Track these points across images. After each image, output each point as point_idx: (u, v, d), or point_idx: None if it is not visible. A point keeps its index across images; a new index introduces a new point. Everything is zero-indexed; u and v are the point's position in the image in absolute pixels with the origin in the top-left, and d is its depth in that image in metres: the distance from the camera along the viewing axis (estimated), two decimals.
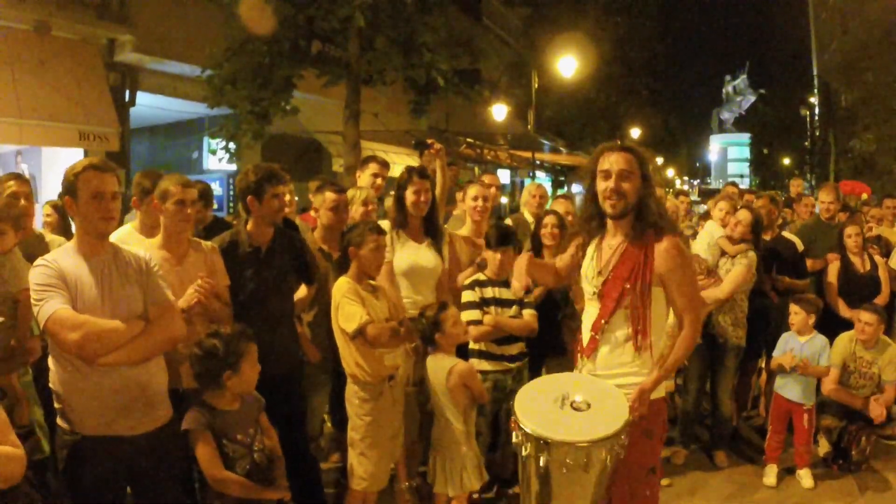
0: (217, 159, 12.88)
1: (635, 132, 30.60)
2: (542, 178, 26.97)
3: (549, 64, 18.80)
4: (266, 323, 3.76)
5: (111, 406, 2.77)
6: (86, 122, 10.57)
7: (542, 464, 2.55)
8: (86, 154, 11.64)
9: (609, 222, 2.93)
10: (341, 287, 3.74)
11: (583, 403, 2.66)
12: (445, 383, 3.73)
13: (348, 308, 3.66)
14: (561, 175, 26.78)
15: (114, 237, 4.47)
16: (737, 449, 5.37)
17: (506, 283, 4.24)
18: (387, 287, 4.11)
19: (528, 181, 25.24)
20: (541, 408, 2.67)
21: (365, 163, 5.14)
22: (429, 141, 5.23)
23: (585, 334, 2.96)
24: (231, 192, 16.02)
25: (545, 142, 24.55)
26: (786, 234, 5.94)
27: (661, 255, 2.78)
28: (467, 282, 4.30)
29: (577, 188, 33.03)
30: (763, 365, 5.53)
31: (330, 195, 4.40)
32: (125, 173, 12.67)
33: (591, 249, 3.02)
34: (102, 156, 11.44)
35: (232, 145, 11.32)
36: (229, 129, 10.67)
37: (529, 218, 6.45)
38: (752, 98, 70.88)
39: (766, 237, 5.55)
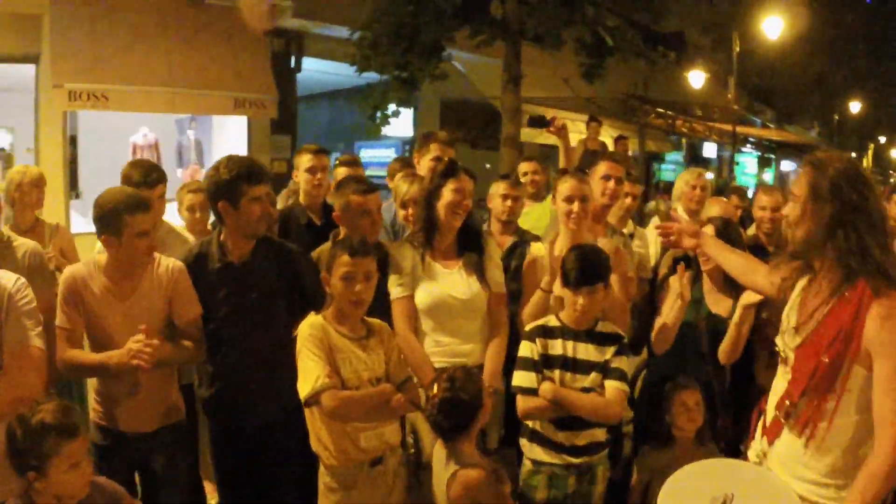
0: (395, 124, 12.24)
1: (855, 106, 25.63)
2: (749, 153, 23.62)
3: (754, 25, 15.87)
4: (246, 358, 2.87)
5: None
6: (241, 90, 10.21)
7: None
8: (249, 122, 11.40)
9: (816, 261, 2.14)
10: (303, 331, 2.55)
11: None
12: (446, 491, 2.36)
13: (304, 363, 2.50)
14: (769, 152, 23.17)
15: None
16: None
17: (588, 335, 2.74)
18: (403, 332, 2.86)
19: (737, 157, 22.10)
20: None
21: (425, 142, 3.72)
22: (549, 117, 4.12)
23: (770, 410, 2.22)
24: None
25: (756, 120, 21.26)
26: None
27: (874, 320, 1.93)
28: (529, 327, 2.84)
29: (787, 166, 28.79)
30: None
31: (355, 198, 3.08)
32: (291, 140, 12.38)
33: (798, 288, 2.20)
34: (266, 123, 11.28)
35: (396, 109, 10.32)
36: (375, 98, 9.72)
37: (684, 216, 4.78)
38: None
39: None
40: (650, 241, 4.51)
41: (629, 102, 15.74)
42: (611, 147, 10.00)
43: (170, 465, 2.81)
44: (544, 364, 2.73)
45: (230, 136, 11.70)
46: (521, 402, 2.72)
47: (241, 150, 11.52)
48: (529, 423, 2.79)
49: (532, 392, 2.70)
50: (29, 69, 9.04)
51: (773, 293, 2.33)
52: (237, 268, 2.85)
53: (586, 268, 2.68)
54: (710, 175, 24.00)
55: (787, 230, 2.14)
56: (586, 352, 2.73)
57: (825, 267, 2.08)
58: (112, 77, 8.83)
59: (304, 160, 3.78)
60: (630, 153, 17.94)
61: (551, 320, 2.81)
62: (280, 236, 3.54)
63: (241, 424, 2.91)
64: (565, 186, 3.16)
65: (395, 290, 2.98)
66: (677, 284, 2.97)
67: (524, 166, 5.02)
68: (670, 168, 22.17)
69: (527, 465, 2.81)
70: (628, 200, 4.14)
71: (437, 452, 2.49)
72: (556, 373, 2.72)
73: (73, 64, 8.58)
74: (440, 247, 3.00)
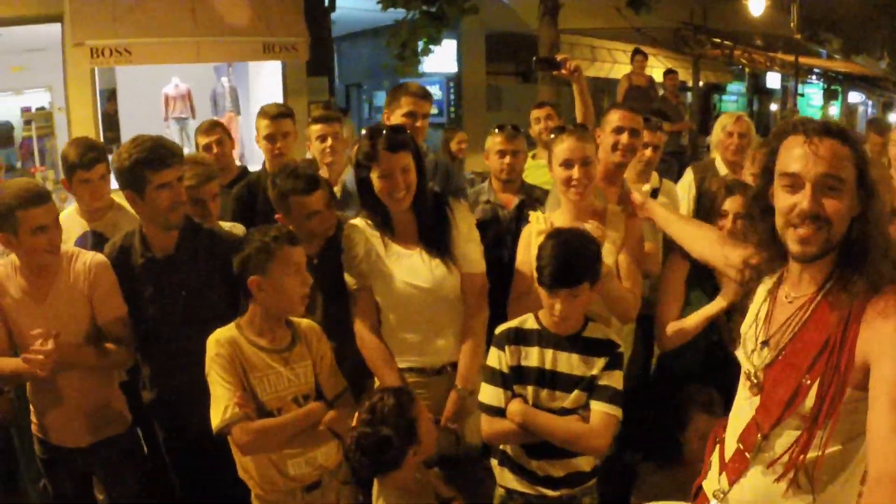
0: (438, 60, 11.52)
1: None
2: (814, 84, 21.74)
3: None
4: (181, 359, 2.38)
5: None
6: (270, 34, 9.68)
7: None
8: (283, 66, 10.82)
9: (792, 264, 1.57)
10: (210, 349, 2.07)
11: None
12: None
13: (212, 388, 2.04)
14: (835, 83, 21.20)
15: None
16: None
17: (572, 343, 2.16)
18: (360, 330, 2.43)
19: (801, 88, 20.25)
20: None
21: (395, 95, 3.08)
22: (559, 58, 3.30)
23: (730, 439, 1.67)
24: (452, 97, 14.79)
25: (821, 50, 19.36)
26: None
27: (873, 320, 1.38)
28: (499, 330, 2.26)
29: (855, 97, 26.40)
30: None
31: (296, 200, 2.52)
32: (328, 83, 11.77)
33: (759, 295, 1.66)
34: (301, 65, 10.65)
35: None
36: (403, 34, 8.99)
37: (723, 168, 4.07)
38: None
39: None
40: (681, 196, 3.81)
41: (682, 32, 14.44)
42: (659, 80, 9.15)
43: (112, 478, 2.61)
44: (517, 377, 2.17)
45: (265, 81, 11.26)
46: (486, 425, 2.17)
47: (277, 94, 11.08)
48: (503, 446, 2.26)
49: (499, 412, 2.15)
50: (56, 28, 8.67)
51: (728, 271, 1.89)
52: (161, 262, 2.43)
53: (564, 266, 2.04)
54: (774, 106, 22.11)
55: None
56: (569, 364, 2.14)
57: (808, 271, 1.54)
58: (134, 31, 8.43)
59: (262, 126, 3.26)
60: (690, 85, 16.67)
61: (528, 321, 2.22)
62: (246, 205, 3.14)
63: (184, 428, 2.54)
64: (562, 148, 2.45)
65: (348, 281, 2.45)
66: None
67: (535, 112, 4.34)
68: (732, 99, 20.70)
69: (499, 490, 2.29)
70: (648, 152, 3.41)
71: (376, 488, 1.98)
72: (530, 389, 2.15)
73: (93, 20, 8.24)
74: (398, 227, 2.43)
